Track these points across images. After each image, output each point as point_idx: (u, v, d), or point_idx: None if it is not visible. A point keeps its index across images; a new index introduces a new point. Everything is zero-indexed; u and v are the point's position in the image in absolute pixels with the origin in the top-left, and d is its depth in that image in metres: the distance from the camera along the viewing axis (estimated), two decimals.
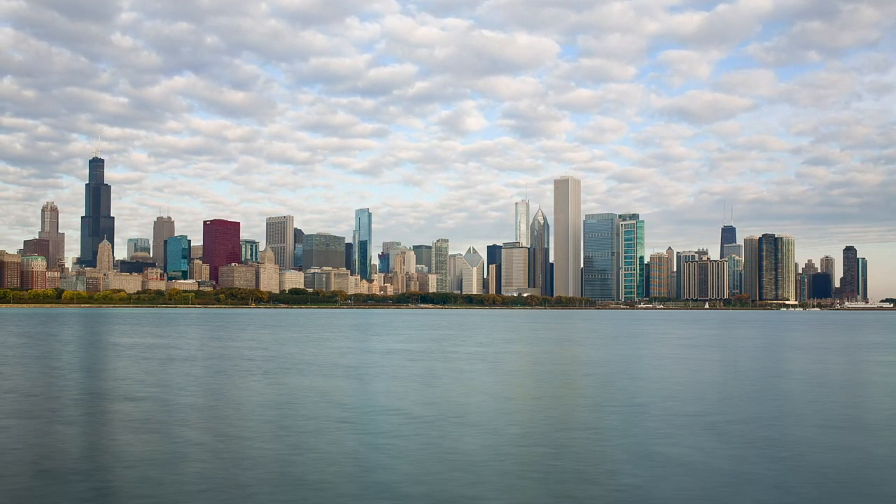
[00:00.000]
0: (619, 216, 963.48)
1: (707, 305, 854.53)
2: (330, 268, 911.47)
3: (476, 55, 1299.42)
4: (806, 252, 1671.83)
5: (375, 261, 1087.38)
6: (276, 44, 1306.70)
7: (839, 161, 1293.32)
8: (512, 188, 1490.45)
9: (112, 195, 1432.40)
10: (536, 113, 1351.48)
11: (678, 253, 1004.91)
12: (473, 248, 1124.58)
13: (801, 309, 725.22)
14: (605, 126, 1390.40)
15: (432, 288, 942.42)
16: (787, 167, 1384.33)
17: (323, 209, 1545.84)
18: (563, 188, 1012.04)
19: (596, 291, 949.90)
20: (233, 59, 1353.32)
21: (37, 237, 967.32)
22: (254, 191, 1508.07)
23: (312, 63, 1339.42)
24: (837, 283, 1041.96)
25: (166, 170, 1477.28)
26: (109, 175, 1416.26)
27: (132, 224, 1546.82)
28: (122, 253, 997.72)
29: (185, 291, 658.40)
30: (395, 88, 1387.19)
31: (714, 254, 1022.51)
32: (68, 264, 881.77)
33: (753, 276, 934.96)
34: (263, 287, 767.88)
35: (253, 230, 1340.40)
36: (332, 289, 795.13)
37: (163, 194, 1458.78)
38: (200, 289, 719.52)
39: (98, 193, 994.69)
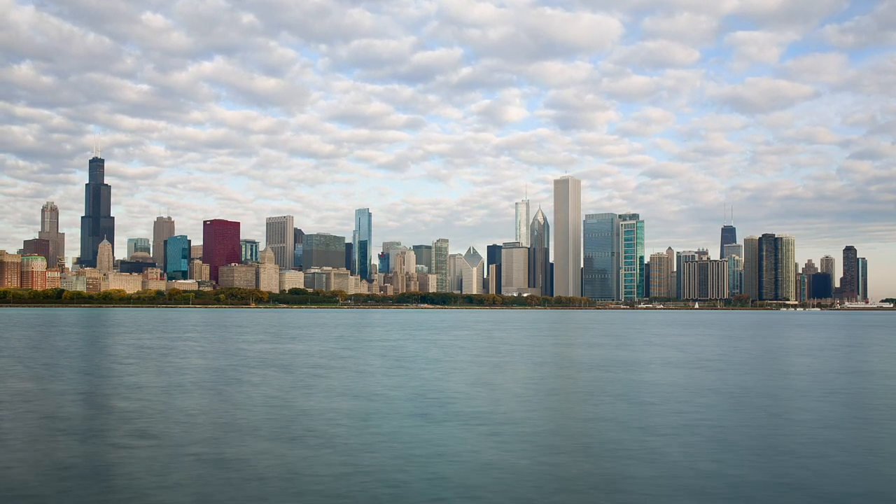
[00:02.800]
0: (619, 216, 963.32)
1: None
2: (330, 268, 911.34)
3: (532, 36, 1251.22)
4: (806, 252, 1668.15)
5: (375, 261, 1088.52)
6: (318, 23, 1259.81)
7: (887, 154, 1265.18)
8: (539, 184, 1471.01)
9: (123, 192, 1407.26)
10: (583, 102, 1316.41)
11: (678, 253, 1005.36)
12: (473, 248, 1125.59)
13: (802, 309, 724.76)
14: (652, 117, 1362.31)
15: (432, 288, 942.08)
16: (831, 161, 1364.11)
17: (339, 206, 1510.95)
18: (562, 188, 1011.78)
19: (596, 291, 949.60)
20: (268, 41, 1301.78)
21: (37, 237, 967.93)
22: (270, 186, 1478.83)
23: (354, 45, 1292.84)
24: (837, 283, 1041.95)
25: (182, 164, 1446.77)
26: (123, 170, 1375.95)
27: (140, 222, 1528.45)
28: (122, 253, 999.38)
29: (185, 291, 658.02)
30: (438, 74, 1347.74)
31: (714, 254, 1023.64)
32: (68, 264, 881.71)
33: (753, 276, 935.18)
34: (263, 287, 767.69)
35: (263, 228, 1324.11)
36: (332, 289, 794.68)
37: (175, 190, 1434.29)
38: (200, 289, 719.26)
39: (98, 193, 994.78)
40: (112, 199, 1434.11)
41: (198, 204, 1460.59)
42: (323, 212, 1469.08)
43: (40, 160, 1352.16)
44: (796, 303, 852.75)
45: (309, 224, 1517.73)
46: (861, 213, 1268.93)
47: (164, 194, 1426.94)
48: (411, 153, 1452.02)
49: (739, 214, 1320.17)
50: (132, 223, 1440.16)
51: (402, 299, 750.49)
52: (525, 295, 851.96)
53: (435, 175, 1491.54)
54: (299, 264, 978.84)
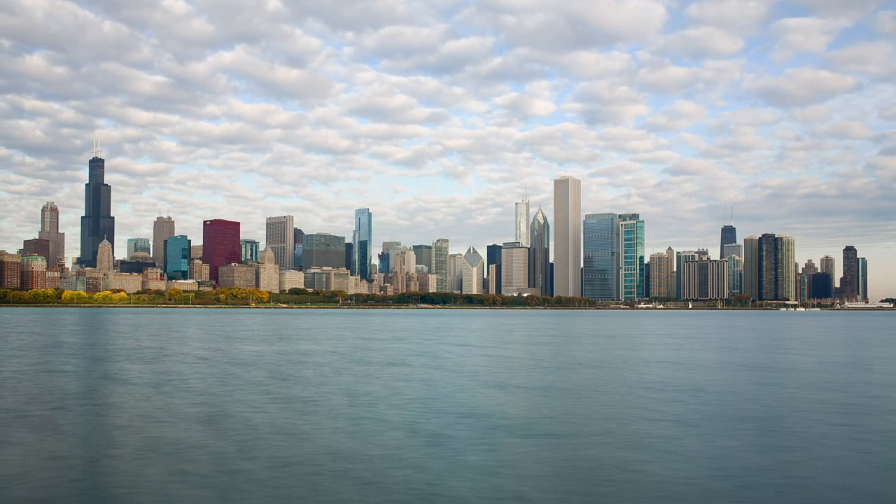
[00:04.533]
0: (619, 216, 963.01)
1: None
2: (330, 268, 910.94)
3: (571, 24, 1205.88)
4: (806, 252, 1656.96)
5: (375, 261, 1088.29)
6: (348, 9, 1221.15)
7: None
8: None
9: (132, 189, 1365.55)
10: (614, 94, 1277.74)
11: (678, 253, 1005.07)
12: (473, 248, 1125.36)
13: (803, 309, 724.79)
14: (682, 111, 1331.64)
15: (432, 288, 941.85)
16: (860, 157, 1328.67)
17: (351, 204, 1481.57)
18: (562, 188, 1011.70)
19: (596, 291, 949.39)
20: (293, 29, 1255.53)
21: (37, 237, 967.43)
22: (281, 184, 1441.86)
23: (382, 33, 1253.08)
24: (837, 283, 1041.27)
25: (193, 160, 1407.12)
26: (132, 167, 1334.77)
27: (146, 221, 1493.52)
28: (122, 253, 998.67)
29: (185, 291, 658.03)
30: (467, 64, 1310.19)
31: (714, 254, 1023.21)
32: (68, 264, 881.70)
33: (753, 276, 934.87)
34: (263, 287, 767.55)
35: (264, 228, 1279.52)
36: (332, 289, 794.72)
37: (184, 187, 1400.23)
38: (200, 289, 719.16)
39: (98, 193, 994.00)
40: (119, 198, 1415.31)
41: (206, 202, 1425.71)
42: (333, 210, 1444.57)
43: (47, 156, 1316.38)
44: (796, 303, 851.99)
45: (318, 223, 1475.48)
46: (882, 211, 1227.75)
47: (173, 192, 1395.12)
48: (430, 149, 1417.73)
49: (758, 212, 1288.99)
50: (138, 222, 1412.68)
51: (402, 299, 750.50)
52: (525, 295, 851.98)
53: (451, 172, 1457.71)
54: (299, 264, 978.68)
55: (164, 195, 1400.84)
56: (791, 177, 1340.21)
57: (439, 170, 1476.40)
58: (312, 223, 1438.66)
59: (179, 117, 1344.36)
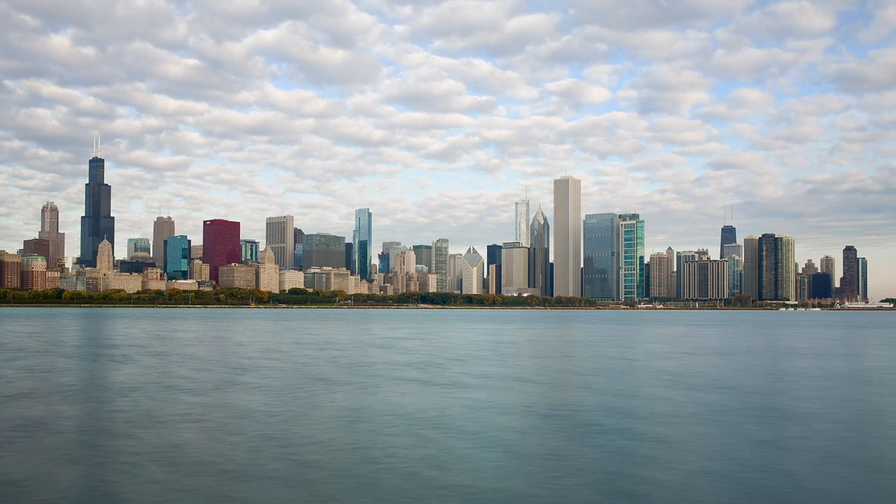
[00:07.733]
0: (619, 216, 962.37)
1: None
2: (330, 268, 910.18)
3: None
4: (806, 252, 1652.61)
5: (375, 261, 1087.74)
6: None
7: None
8: (592, 175, 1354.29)
9: (147, 185, 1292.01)
10: (678, 79, 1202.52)
11: (678, 253, 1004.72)
12: (473, 248, 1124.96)
13: (803, 309, 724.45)
14: (746, 98, 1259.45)
15: (432, 288, 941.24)
16: None
17: (373, 201, 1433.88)
18: (562, 188, 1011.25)
19: (596, 291, 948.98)
20: (347, 4, 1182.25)
21: (37, 237, 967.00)
22: (304, 179, 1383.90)
23: (444, 7, 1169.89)
24: (837, 283, 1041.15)
25: (216, 153, 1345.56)
26: (151, 160, 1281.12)
27: (152, 219, 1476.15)
28: (122, 253, 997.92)
29: (185, 291, 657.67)
30: (529, 44, 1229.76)
31: (714, 254, 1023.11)
32: (68, 264, 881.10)
33: (753, 276, 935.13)
34: (263, 287, 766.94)
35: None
36: (331, 289, 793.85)
37: (202, 182, 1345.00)
38: (200, 289, 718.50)
39: (98, 193, 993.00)
40: (132, 193, 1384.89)
41: (221, 198, 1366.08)
42: (354, 206, 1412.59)
43: (62, 148, 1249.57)
44: (796, 303, 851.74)
45: (335, 220, 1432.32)
46: None
47: (189, 188, 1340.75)
48: (466, 140, 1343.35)
49: (794, 209, 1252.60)
50: (147, 219, 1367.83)
51: (402, 299, 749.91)
52: (525, 295, 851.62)
53: (484, 166, 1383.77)
54: (299, 264, 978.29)
55: (179, 191, 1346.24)
56: (839, 170, 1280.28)
57: (472, 163, 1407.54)
58: (329, 220, 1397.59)
59: (207, 105, 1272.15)
